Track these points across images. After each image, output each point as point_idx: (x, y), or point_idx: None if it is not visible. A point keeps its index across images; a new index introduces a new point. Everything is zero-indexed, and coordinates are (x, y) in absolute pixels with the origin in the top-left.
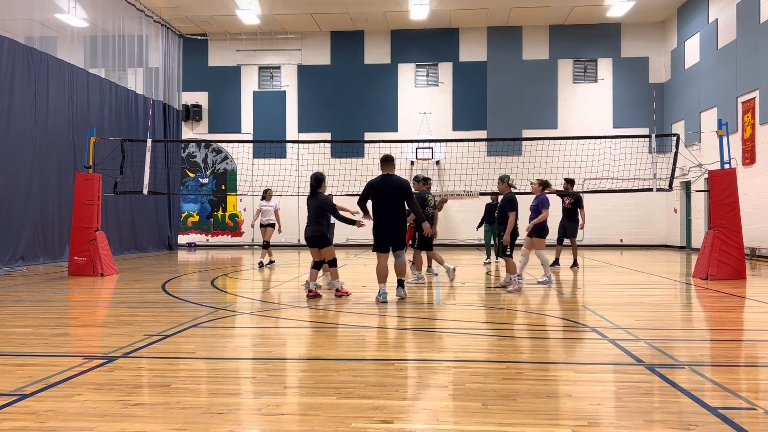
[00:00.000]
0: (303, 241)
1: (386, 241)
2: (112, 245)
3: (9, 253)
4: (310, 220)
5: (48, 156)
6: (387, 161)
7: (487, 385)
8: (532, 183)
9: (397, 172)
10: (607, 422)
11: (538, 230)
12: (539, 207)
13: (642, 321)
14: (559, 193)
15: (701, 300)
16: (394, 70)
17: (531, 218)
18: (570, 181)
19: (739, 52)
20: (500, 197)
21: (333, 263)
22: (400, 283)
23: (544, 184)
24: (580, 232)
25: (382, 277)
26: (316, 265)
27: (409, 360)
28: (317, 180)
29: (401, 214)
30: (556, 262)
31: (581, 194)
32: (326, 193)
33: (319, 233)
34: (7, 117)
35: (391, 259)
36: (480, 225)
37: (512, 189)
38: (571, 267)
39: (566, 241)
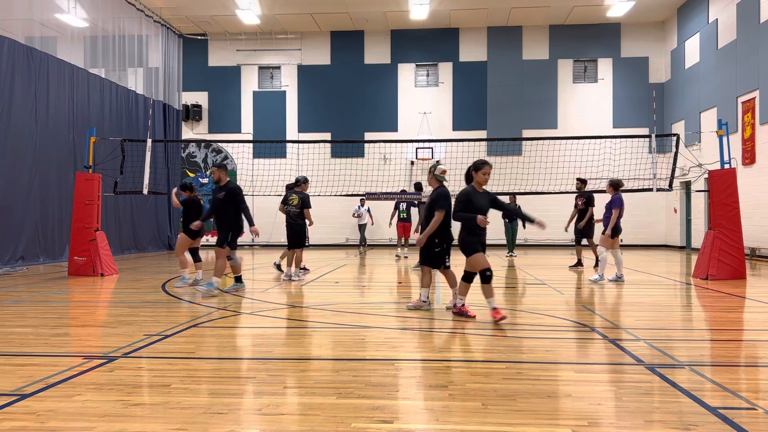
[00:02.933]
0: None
1: None
2: (112, 245)
3: (9, 253)
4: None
5: (48, 156)
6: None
7: (487, 385)
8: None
9: (396, 173)
10: (607, 422)
11: (610, 229)
12: (611, 206)
13: (642, 321)
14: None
15: (701, 300)
16: (394, 70)
17: (605, 216)
18: (583, 181)
19: (739, 52)
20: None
21: (474, 279)
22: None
23: (615, 185)
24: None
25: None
26: (467, 277)
27: (409, 360)
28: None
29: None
30: (579, 263)
31: (593, 193)
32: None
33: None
34: (7, 117)
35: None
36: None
37: (444, 183)
38: (571, 267)
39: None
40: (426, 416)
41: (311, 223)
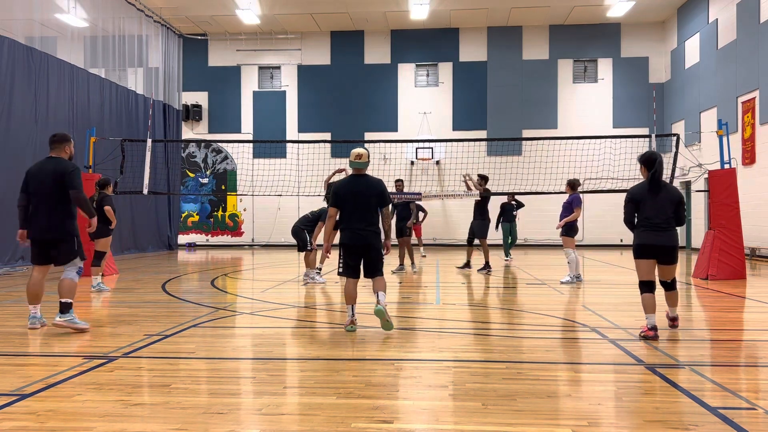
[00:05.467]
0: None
1: None
2: (112, 245)
3: (9, 253)
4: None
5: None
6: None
7: (487, 385)
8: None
9: (396, 173)
10: (607, 422)
11: (567, 229)
12: (572, 206)
13: (642, 321)
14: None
15: (701, 300)
16: (394, 70)
17: (562, 216)
18: (483, 178)
19: (739, 52)
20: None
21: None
22: None
23: (572, 184)
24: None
25: None
26: (668, 286)
27: (409, 360)
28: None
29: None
30: (467, 265)
31: (491, 194)
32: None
33: None
34: (8, 117)
35: None
36: (497, 225)
37: (362, 170)
38: (479, 270)
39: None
40: (426, 416)
41: (315, 239)
